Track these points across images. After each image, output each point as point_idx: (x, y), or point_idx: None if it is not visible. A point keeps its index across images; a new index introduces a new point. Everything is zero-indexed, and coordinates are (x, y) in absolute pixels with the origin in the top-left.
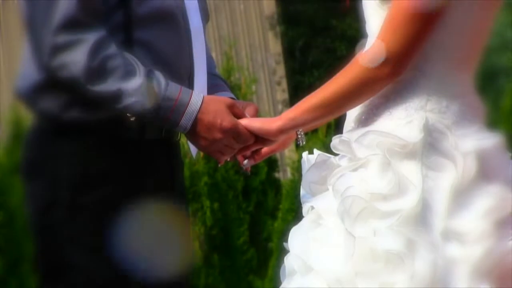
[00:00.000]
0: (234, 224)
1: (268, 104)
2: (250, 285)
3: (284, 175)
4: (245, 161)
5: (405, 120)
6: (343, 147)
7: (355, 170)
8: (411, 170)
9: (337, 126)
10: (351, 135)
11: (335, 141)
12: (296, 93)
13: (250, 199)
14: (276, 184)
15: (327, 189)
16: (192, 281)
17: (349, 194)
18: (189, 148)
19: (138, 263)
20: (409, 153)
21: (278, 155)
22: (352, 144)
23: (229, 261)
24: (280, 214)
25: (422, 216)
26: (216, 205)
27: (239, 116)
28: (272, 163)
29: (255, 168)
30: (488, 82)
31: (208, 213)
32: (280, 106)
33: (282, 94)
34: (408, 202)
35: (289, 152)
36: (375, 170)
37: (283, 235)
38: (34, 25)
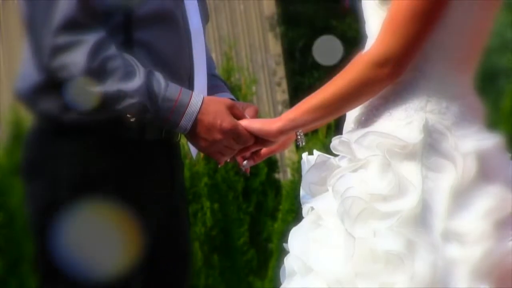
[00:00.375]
0: (234, 225)
1: (268, 105)
2: (250, 286)
3: (284, 176)
4: (245, 162)
5: (405, 121)
6: (343, 148)
7: (355, 171)
8: (411, 171)
9: (337, 127)
10: (351, 136)
11: (335, 142)
12: (296, 94)
13: (250, 200)
14: (276, 185)
15: (327, 190)
16: (192, 282)
17: (349, 195)
18: (189, 149)
19: (136, 263)
20: (409, 154)
21: (278, 156)
22: (352, 145)
23: (229, 262)
24: (280, 215)
25: (422, 217)
26: (216, 206)
27: (239, 117)
28: (272, 164)
29: (255, 169)
30: (488, 83)
31: (208, 214)
32: (280, 107)
33: (282, 95)
34: (408, 203)
35: (289, 153)
36: (375, 171)
37: (283, 236)
38: (34, 25)
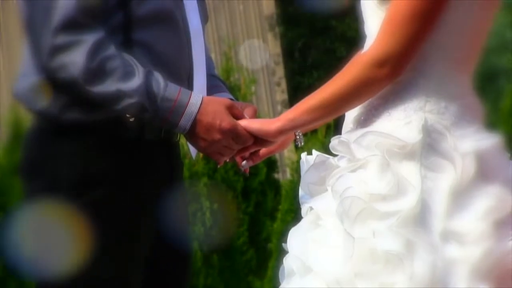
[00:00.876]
0: (234, 225)
1: (268, 104)
2: (249, 286)
3: (284, 176)
4: (244, 162)
5: (404, 121)
6: (342, 148)
7: (354, 171)
8: (410, 171)
9: (336, 127)
10: (350, 136)
11: (334, 142)
12: (296, 94)
13: (249, 199)
14: (275, 185)
15: (326, 190)
16: (192, 282)
17: (348, 195)
18: (188, 149)
19: (135, 263)
20: (408, 154)
21: (277, 156)
22: (351, 145)
23: (228, 262)
24: (279, 215)
25: (421, 217)
26: (215, 205)
27: (238, 117)
28: (271, 164)
29: (255, 169)
30: (488, 83)
31: (207, 213)
32: (279, 107)
33: (281, 95)
34: (407, 203)
35: (288, 153)
36: (374, 171)
37: (283, 235)
38: (33, 25)
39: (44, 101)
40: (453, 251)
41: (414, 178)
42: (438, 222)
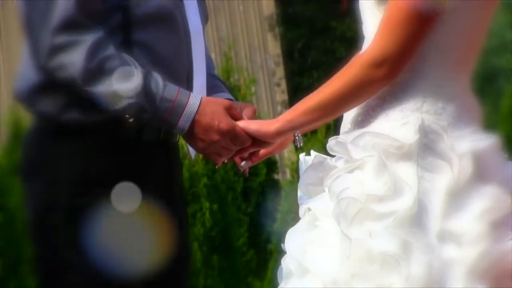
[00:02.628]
0: (234, 226)
1: (268, 105)
2: (249, 287)
3: (284, 176)
4: (243, 163)
5: (401, 122)
6: (339, 149)
7: (351, 171)
8: (407, 171)
9: (336, 128)
10: (347, 137)
11: (331, 142)
12: (296, 94)
13: (249, 200)
14: (275, 186)
15: (324, 191)
16: (191, 282)
17: (344, 196)
18: (188, 149)
19: (136, 264)
20: (404, 154)
21: (277, 156)
22: (348, 145)
23: (228, 263)
24: (279, 216)
25: (418, 218)
26: (215, 206)
27: (236, 118)
28: (271, 165)
29: (255, 170)
30: (488, 84)
31: (207, 214)
32: (279, 107)
33: (281, 95)
34: (404, 203)
35: (288, 154)
36: (371, 171)
37: (283, 236)
38: (32, 26)
39: (43, 101)
40: (449, 251)
41: (411, 179)
42: (434, 222)
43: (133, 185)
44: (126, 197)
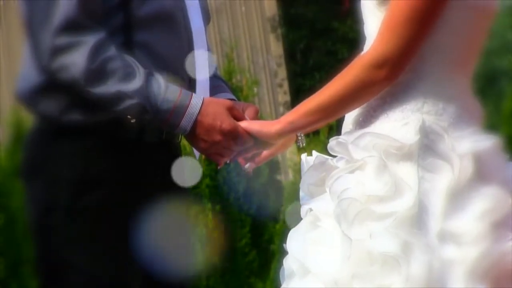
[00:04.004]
0: (236, 226)
1: (270, 106)
2: (251, 287)
3: (286, 177)
4: (247, 165)
5: (401, 122)
6: (340, 149)
7: (351, 172)
8: (407, 172)
9: (338, 128)
10: (348, 137)
11: (332, 143)
12: (298, 95)
13: (251, 201)
14: (277, 186)
15: (326, 191)
16: (193, 283)
17: (345, 196)
18: (191, 150)
19: (136, 264)
20: (405, 155)
21: (279, 157)
22: (349, 146)
23: (230, 263)
24: (281, 216)
25: (418, 218)
26: (217, 207)
27: (238, 118)
28: (273, 165)
29: (257, 170)
30: (489, 85)
31: (209, 215)
32: (281, 108)
33: (283, 96)
34: (404, 204)
35: (290, 154)
36: (372, 172)
37: (285, 237)
38: (33, 26)
39: (45, 102)
40: (450, 252)
41: (411, 179)
42: (435, 223)
43: (194, 160)
44: (187, 171)
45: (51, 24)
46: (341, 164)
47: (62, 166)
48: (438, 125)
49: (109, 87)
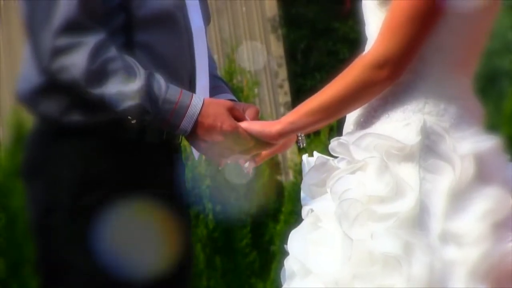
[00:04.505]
0: (236, 227)
1: (270, 106)
2: None
3: (287, 177)
4: (246, 164)
5: (403, 123)
6: (341, 150)
7: (353, 172)
8: (408, 172)
9: (339, 129)
10: (349, 138)
11: (334, 143)
12: (298, 96)
13: (252, 201)
14: (278, 187)
15: (327, 192)
16: (194, 284)
17: (346, 197)
18: (191, 151)
19: (138, 265)
20: (406, 155)
21: (280, 157)
22: (350, 146)
23: (231, 264)
24: (282, 217)
25: (419, 219)
26: (218, 207)
27: (239, 118)
28: (274, 166)
29: (258, 171)
30: (490, 85)
31: (210, 215)
32: (282, 109)
33: (284, 96)
34: (406, 204)
35: (291, 155)
36: (373, 172)
37: (286, 237)
38: (34, 27)
39: (45, 103)
40: (451, 252)
41: (413, 180)
42: (436, 223)
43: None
44: (238, 169)
45: (51, 25)
46: (342, 164)
47: (62, 167)
48: (439, 126)
49: (110, 88)
